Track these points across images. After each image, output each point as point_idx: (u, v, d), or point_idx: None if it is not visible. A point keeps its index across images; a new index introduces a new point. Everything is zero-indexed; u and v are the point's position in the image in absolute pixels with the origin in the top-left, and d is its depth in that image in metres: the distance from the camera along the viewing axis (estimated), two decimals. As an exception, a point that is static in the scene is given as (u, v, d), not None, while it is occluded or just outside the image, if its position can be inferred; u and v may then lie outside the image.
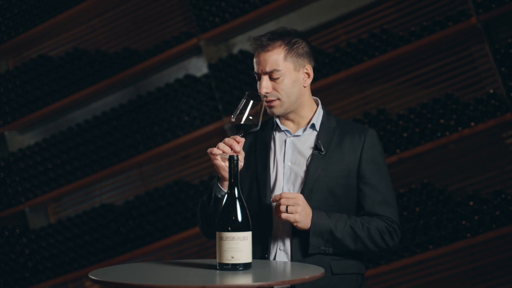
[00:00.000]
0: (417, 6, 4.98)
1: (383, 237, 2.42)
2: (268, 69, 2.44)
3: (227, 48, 5.72)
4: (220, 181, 2.42)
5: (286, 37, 2.47)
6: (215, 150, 2.35)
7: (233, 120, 2.37)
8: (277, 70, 2.43)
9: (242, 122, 2.35)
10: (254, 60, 2.49)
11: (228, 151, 2.33)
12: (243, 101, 2.37)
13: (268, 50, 2.44)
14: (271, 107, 2.47)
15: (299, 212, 2.33)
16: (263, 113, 2.39)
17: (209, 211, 2.45)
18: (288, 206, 2.32)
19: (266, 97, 2.44)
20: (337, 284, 2.42)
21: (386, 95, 5.09)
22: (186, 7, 5.83)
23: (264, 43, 2.44)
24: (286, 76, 2.45)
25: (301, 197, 2.35)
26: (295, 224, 2.35)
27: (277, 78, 2.44)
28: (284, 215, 2.33)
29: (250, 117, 2.35)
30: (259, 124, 2.38)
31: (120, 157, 5.90)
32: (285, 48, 2.45)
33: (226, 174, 2.37)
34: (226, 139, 2.36)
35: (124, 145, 5.88)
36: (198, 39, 5.63)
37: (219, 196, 2.41)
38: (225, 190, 2.40)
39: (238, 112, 2.36)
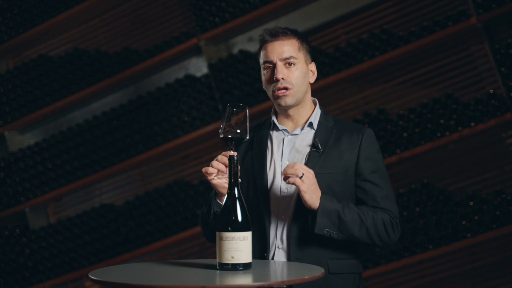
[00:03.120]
0: (417, 6, 4.98)
1: (386, 229, 2.43)
2: (285, 55, 2.48)
3: (227, 48, 5.72)
4: (219, 197, 2.42)
5: (297, 33, 2.54)
6: (210, 170, 2.34)
7: (221, 135, 2.32)
8: (294, 57, 2.49)
9: (230, 135, 2.31)
10: (265, 50, 2.51)
11: (222, 168, 2.34)
12: (227, 113, 2.31)
13: (285, 39, 2.50)
14: (284, 96, 2.48)
15: (307, 183, 2.32)
16: (248, 120, 2.36)
17: (210, 223, 2.48)
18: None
19: (281, 83, 2.46)
20: (335, 284, 2.42)
21: (386, 95, 5.09)
22: (186, 7, 5.83)
23: (282, 32, 2.51)
24: (300, 66, 2.50)
25: (312, 172, 2.35)
26: (301, 194, 2.33)
27: (293, 66, 2.48)
28: (291, 179, 2.31)
29: (238, 129, 2.31)
30: (248, 133, 2.33)
31: (120, 157, 5.90)
32: (298, 41, 2.52)
33: (224, 191, 2.36)
34: (219, 157, 2.36)
35: (124, 145, 5.88)
36: (198, 39, 5.63)
37: (219, 211, 2.41)
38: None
39: (224, 125, 2.32)
